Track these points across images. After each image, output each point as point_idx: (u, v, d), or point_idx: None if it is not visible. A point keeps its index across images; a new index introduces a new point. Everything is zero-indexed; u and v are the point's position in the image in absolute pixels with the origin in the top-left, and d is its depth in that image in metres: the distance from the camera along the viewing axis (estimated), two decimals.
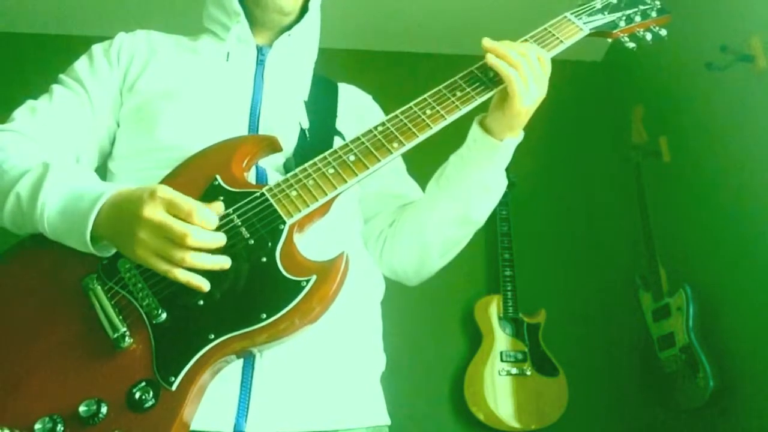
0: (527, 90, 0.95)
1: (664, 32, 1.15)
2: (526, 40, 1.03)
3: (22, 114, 1.04)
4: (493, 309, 2.54)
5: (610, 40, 1.14)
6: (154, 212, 0.79)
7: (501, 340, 2.49)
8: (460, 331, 2.63)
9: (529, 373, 2.43)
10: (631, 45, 1.15)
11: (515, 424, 2.35)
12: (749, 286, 2.00)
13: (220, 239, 0.82)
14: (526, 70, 0.95)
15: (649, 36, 1.15)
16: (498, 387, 2.40)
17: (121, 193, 0.85)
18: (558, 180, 2.90)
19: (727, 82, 2.14)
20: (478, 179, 1.04)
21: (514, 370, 2.43)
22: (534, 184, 2.83)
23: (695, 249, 2.32)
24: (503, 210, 2.67)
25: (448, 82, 0.99)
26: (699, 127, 2.36)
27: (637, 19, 1.13)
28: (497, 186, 1.07)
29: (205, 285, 0.80)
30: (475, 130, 1.03)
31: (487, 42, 0.97)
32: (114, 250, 0.86)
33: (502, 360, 2.44)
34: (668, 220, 2.45)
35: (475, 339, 2.55)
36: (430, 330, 2.57)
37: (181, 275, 0.79)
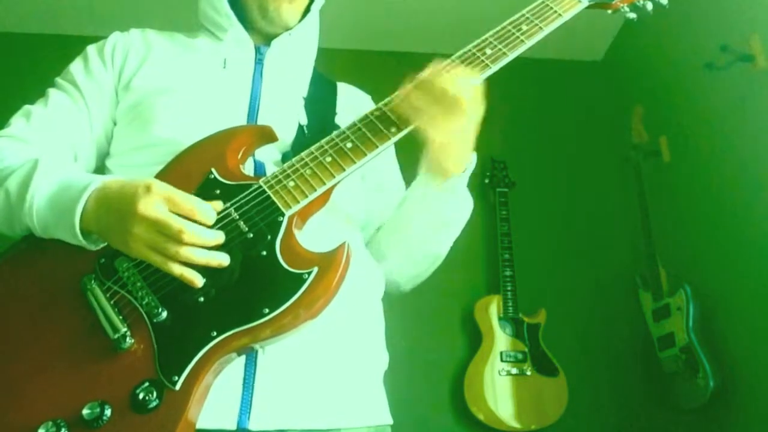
0: (445, 132, 0.91)
1: (665, 0, 1.12)
2: (523, 15, 1.01)
3: (19, 120, 1.05)
4: (493, 309, 2.54)
5: (609, 11, 1.12)
6: (150, 208, 0.78)
7: (501, 340, 2.48)
8: (460, 331, 2.62)
9: (529, 373, 2.43)
10: (632, 15, 1.12)
11: (515, 424, 2.35)
12: (749, 286, 2.00)
13: (217, 237, 0.81)
14: (434, 108, 0.90)
15: (650, 6, 1.12)
16: (498, 387, 2.40)
17: (111, 187, 0.84)
18: (558, 180, 2.90)
19: (727, 82, 2.14)
20: (434, 216, 1.04)
21: (514, 370, 2.42)
22: (534, 184, 2.83)
23: (695, 249, 2.31)
24: (503, 210, 2.67)
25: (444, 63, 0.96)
26: (699, 127, 2.36)
27: None
28: (456, 219, 1.07)
29: (197, 280, 0.80)
30: (420, 175, 1.03)
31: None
32: (104, 243, 0.86)
33: (502, 360, 2.44)
34: (668, 220, 2.45)
35: (475, 339, 2.55)
36: (430, 330, 2.56)
37: (175, 268, 0.79)
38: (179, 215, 0.79)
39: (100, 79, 1.09)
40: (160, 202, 0.79)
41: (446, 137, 0.92)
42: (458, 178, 1.00)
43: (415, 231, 1.08)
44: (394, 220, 1.11)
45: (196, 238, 0.79)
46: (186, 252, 0.79)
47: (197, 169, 0.90)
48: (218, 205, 0.85)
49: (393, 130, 0.91)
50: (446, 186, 1.00)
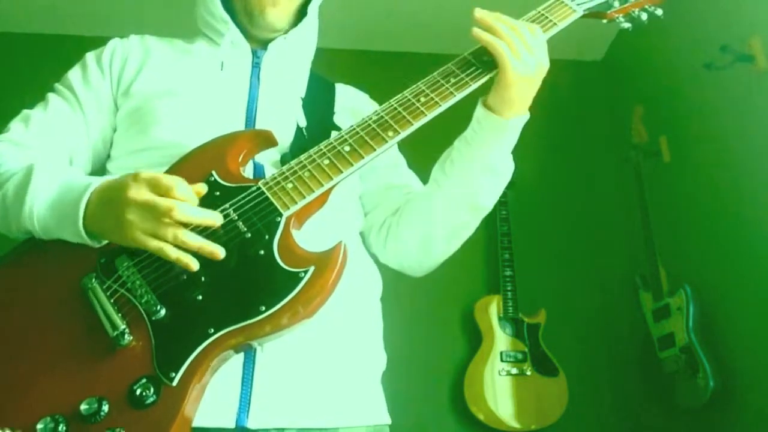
0: (520, 60, 0.93)
1: (659, 12, 1.13)
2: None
3: (18, 124, 1.06)
4: (493, 309, 2.54)
5: (605, 21, 1.12)
6: (138, 193, 0.81)
7: (501, 340, 2.49)
8: (460, 331, 2.63)
9: (529, 373, 2.43)
10: (627, 25, 1.13)
11: (515, 424, 2.35)
12: (749, 286, 2.00)
13: (207, 214, 0.82)
14: (515, 40, 0.93)
15: (644, 16, 1.13)
16: (498, 387, 2.40)
17: (106, 184, 0.87)
18: (558, 180, 2.90)
19: (727, 82, 2.14)
20: (485, 162, 1.02)
21: (514, 370, 2.43)
22: (534, 184, 2.83)
23: (695, 249, 2.32)
24: (503, 210, 2.66)
25: (442, 68, 0.98)
26: (699, 127, 2.36)
27: None
28: (504, 168, 1.05)
29: (193, 264, 0.81)
30: (479, 110, 1.01)
31: (478, 11, 0.97)
32: (106, 240, 0.87)
33: (502, 360, 2.44)
34: (668, 220, 2.45)
35: (475, 339, 2.55)
36: (430, 330, 2.57)
37: (172, 252, 0.80)
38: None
39: (97, 88, 1.10)
40: (146, 187, 0.81)
41: (524, 69, 0.94)
42: (519, 118, 1.00)
43: (461, 177, 1.04)
44: (437, 172, 1.08)
45: (185, 214, 0.80)
46: (181, 235, 0.80)
47: (199, 172, 0.92)
48: (202, 187, 0.86)
49: (390, 133, 0.93)
50: (506, 125, 0.99)
